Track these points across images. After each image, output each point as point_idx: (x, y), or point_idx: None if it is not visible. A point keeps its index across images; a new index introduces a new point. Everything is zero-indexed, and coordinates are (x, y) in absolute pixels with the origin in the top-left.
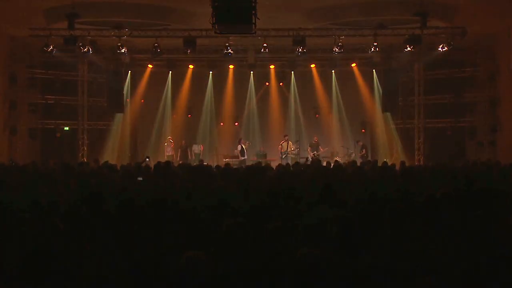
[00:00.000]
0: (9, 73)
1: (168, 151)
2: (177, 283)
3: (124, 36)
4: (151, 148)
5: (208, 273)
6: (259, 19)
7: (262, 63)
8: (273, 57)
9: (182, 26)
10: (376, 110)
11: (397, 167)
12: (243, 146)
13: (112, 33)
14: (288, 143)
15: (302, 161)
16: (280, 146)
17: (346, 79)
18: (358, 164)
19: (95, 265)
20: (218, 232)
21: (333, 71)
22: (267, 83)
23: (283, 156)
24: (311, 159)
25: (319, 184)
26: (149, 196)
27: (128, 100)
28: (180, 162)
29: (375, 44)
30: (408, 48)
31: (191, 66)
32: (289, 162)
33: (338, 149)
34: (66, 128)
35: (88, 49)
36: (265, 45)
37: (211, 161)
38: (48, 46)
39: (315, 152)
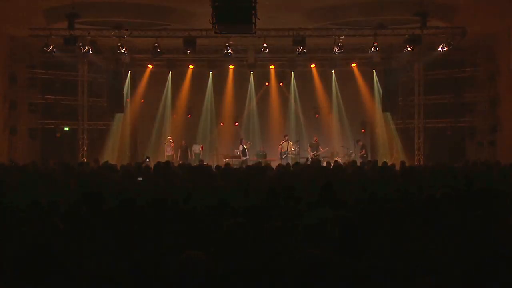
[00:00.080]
0: (9, 73)
1: (168, 151)
2: (177, 283)
3: (124, 36)
4: (151, 148)
5: (208, 273)
6: (259, 19)
7: (262, 63)
8: (273, 57)
9: (182, 26)
10: (376, 110)
11: (397, 167)
12: (245, 146)
13: (112, 33)
14: (288, 143)
15: (302, 161)
16: (280, 146)
17: (346, 79)
18: (358, 164)
19: (95, 265)
20: (218, 232)
21: (333, 71)
22: (267, 83)
23: (283, 156)
24: (311, 159)
25: (319, 184)
26: (149, 196)
27: (128, 100)
28: (180, 162)
29: (375, 44)
30: (408, 48)
31: (191, 66)
32: (289, 162)
33: (338, 149)
34: (66, 128)
35: (88, 49)
36: (265, 45)
37: (211, 161)
38: (48, 46)
39: (315, 152)
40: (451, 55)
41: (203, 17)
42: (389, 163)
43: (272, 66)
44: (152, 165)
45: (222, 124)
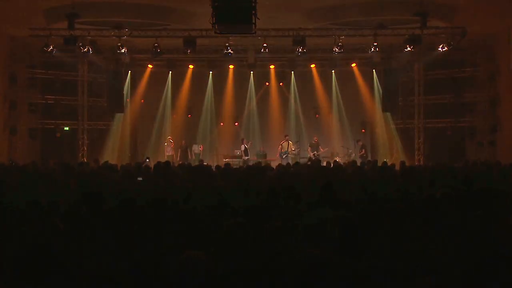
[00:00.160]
0: (9, 73)
1: (168, 151)
2: (177, 283)
3: (124, 36)
4: (151, 148)
5: (208, 273)
6: (259, 19)
7: (262, 63)
8: (273, 57)
9: (182, 26)
10: (376, 110)
11: (397, 167)
12: (246, 146)
13: (112, 33)
14: (288, 143)
15: (302, 161)
16: (280, 146)
17: (346, 79)
18: (358, 164)
19: (95, 265)
20: (218, 232)
21: (333, 71)
22: (267, 83)
23: (284, 156)
24: (311, 159)
25: (319, 184)
26: (149, 196)
27: (128, 100)
28: (180, 162)
29: (375, 44)
30: (408, 48)
31: (191, 66)
32: (290, 162)
33: (338, 149)
34: (66, 128)
35: (88, 49)
36: (265, 45)
37: (211, 161)
38: (48, 46)
39: (315, 152)
40: (451, 55)
41: (203, 17)
42: (389, 163)
43: (272, 66)
44: (152, 165)
45: (222, 124)
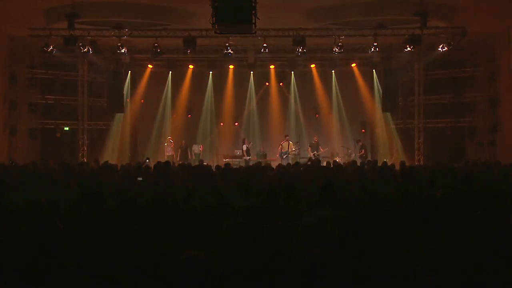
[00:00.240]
0: (9, 73)
1: (168, 151)
2: (177, 283)
3: (124, 36)
4: (151, 148)
5: (208, 273)
6: (259, 19)
7: (262, 63)
8: (273, 57)
9: (182, 26)
10: (376, 110)
11: (397, 167)
12: (248, 146)
13: (112, 33)
14: (289, 143)
15: (303, 161)
16: (280, 146)
17: (346, 79)
18: (358, 164)
19: (95, 265)
20: (218, 232)
21: (333, 71)
22: (267, 83)
23: (284, 156)
24: (311, 160)
25: (319, 184)
26: (149, 196)
27: (128, 100)
28: (180, 162)
29: (375, 44)
30: (408, 48)
31: (191, 66)
32: (290, 162)
33: (338, 149)
34: (66, 128)
35: (88, 49)
36: (265, 45)
37: (211, 161)
38: (48, 46)
39: (315, 152)
40: (451, 55)
41: (203, 17)
42: (389, 163)
43: (272, 66)
44: (152, 165)
45: (222, 124)
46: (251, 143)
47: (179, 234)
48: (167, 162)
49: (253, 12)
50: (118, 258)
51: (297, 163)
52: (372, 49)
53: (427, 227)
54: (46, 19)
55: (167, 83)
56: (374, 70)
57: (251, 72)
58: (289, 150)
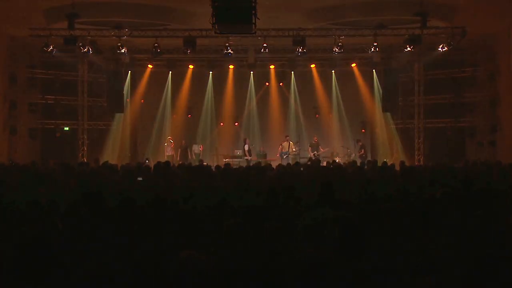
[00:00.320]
0: (9, 73)
1: (168, 151)
2: (177, 283)
3: (124, 36)
4: (151, 148)
5: (208, 273)
6: (259, 19)
7: (262, 63)
8: (273, 57)
9: (182, 26)
10: (376, 110)
11: (397, 167)
12: (249, 146)
13: (112, 33)
14: (289, 144)
15: (303, 161)
16: (280, 146)
17: (346, 79)
18: (358, 164)
19: (95, 265)
20: (218, 232)
21: (333, 71)
22: (267, 83)
23: (284, 157)
24: (311, 159)
25: (319, 184)
26: (149, 196)
27: (128, 100)
28: (180, 162)
29: (375, 44)
30: (408, 48)
31: (191, 66)
32: (290, 162)
33: (338, 149)
34: (66, 128)
35: (88, 49)
36: (265, 45)
37: (211, 161)
38: (48, 46)
39: (315, 152)
40: (451, 55)
41: (203, 17)
42: (389, 163)
43: (272, 66)
44: (152, 165)
45: (222, 124)
46: (252, 145)
47: (179, 234)
48: (167, 162)
49: (253, 12)
50: (118, 258)
51: (297, 163)
52: (372, 49)
53: (427, 227)
54: (46, 19)
55: (167, 83)
56: (374, 70)
57: (251, 72)
58: (290, 150)
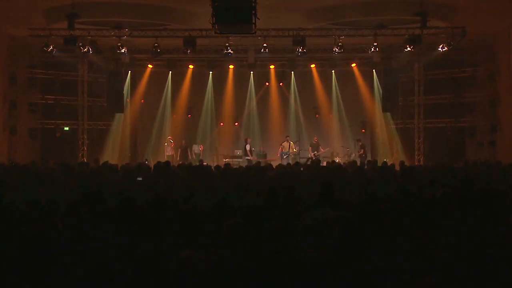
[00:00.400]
0: (9, 73)
1: (168, 151)
2: (177, 283)
3: (124, 36)
4: (151, 148)
5: (208, 273)
6: (259, 19)
7: (262, 63)
8: (273, 57)
9: (182, 26)
10: (376, 110)
11: (397, 167)
12: (250, 146)
13: (112, 33)
14: (289, 144)
15: (303, 161)
16: (280, 146)
17: (346, 79)
18: (358, 164)
19: (95, 265)
20: (218, 232)
21: (333, 71)
22: (267, 83)
23: (284, 157)
24: (311, 159)
25: (319, 184)
26: (149, 196)
27: (128, 100)
28: (180, 162)
29: (375, 44)
30: (408, 48)
31: (191, 66)
32: (290, 162)
33: (338, 149)
34: (66, 128)
35: (88, 49)
36: (265, 45)
37: (211, 161)
38: (48, 46)
39: (316, 152)
40: (451, 55)
41: (203, 17)
42: (389, 163)
43: (272, 66)
44: (152, 165)
45: (222, 124)
46: (253, 149)
47: (179, 234)
48: (167, 162)
49: (253, 12)
50: (118, 258)
51: (297, 163)
52: (372, 49)
53: (427, 227)
54: (46, 19)
55: (167, 83)
56: (374, 70)
57: (251, 72)
58: (290, 150)
